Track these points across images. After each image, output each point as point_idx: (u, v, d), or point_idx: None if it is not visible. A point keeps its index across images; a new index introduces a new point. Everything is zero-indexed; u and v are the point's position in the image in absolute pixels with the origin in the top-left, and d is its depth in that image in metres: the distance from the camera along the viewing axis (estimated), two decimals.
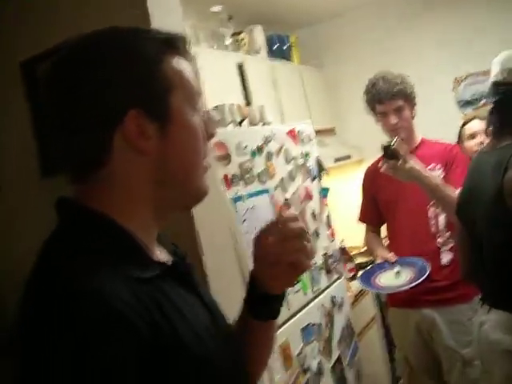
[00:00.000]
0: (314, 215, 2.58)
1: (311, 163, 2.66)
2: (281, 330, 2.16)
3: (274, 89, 3.62)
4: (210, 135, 1.00)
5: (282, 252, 0.99)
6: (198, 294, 1.00)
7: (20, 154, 2.24)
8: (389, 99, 2.62)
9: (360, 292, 3.29)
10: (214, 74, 3.02)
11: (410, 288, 2.45)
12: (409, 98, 2.67)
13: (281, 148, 2.40)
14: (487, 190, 1.92)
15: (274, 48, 3.85)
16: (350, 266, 3.51)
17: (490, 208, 1.91)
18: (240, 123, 2.46)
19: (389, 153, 2.36)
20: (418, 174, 2.35)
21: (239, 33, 3.54)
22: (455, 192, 2.36)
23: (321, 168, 2.71)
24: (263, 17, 3.74)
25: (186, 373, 0.84)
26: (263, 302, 1.07)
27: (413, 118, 2.72)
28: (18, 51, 1.98)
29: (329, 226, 2.73)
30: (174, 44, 0.94)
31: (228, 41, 3.45)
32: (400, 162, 2.33)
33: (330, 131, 4.28)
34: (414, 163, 2.36)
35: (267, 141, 2.30)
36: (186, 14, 3.22)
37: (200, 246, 1.67)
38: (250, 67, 3.36)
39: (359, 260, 3.58)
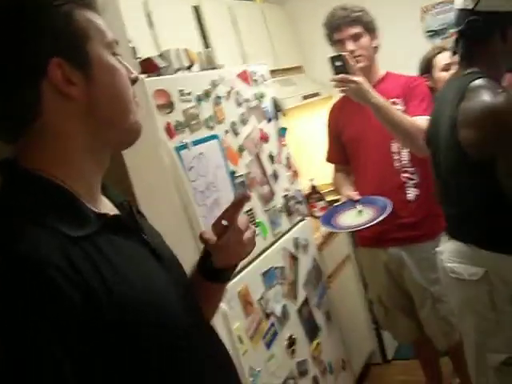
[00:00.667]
0: (271, 157, 2.52)
1: (266, 104, 2.58)
2: (238, 276, 2.14)
3: (235, 30, 3.49)
4: (133, 79, 1.02)
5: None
6: (148, 245, 1.02)
7: None
8: (346, 25, 2.56)
9: (331, 232, 3.26)
10: (168, 19, 2.92)
11: (371, 226, 2.43)
12: (368, 27, 2.60)
13: (230, 91, 2.32)
14: (446, 118, 1.88)
15: None
16: (321, 204, 3.48)
17: (448, 137, 1.87)
18: (189, 68, 2.37)
19: (337, 65, 2.28)
20: (366, 90, 2.28)
21: None
22: (408, 118, 2.31)
23: (277, 108, 2.63)
24: None
25: (132, 336, 0.86)
26: (215, 271, 1.17)
27: (375, 49, 2.65)
28: None
29: (289, 166, 2.68)
30: None
31: None
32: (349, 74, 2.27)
33: (297, 69, 4.18)
34: (364, 82, 2.29)
35: (215, 85, 2.22)
36: None
37: (137, 199, 1.62)
38: (206, 9, 3.23)
39: (331, 198, 3.53)
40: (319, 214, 3.41)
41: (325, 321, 2.67)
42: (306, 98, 3.78)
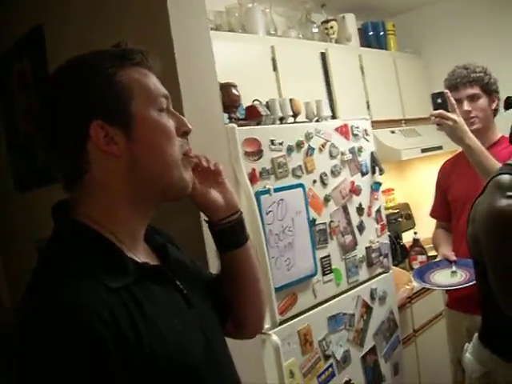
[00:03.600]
0: (360, 209, 2.65)
1: (364, 158, 2.72)
2: (303, 316, 2.32)
3: (362, 78, 3.65)
4: (184, 132, 1.11)
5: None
6: (180, 296, 1.10)
7: None
8: (463, 85, 2.58)
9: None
10: (294, 64, 3.15)
11: (464, 289, 2.45)
12: (487, 89, 2.59)
13: (325, 144, 2.49)
14: None
15: (369, 36, 3.88)
16: (422, 258, 3.52)
17: None
18: (294, 117, 2.58)
19: (438, 102, 2.34)
20: (463, 130, 2.30)
21: (329, 21, 3.60)
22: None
23: (375, 163, 2.75)
24: (357, 5, 3.77)
25: (157, 380, 0.94)
26: (233, 231, 1.25)
27: (493, 112, 2.64)
28: None
29: (379, 220, 2.79)
30: (129, 57, 1.06)
31: (315, 29, 3.53)
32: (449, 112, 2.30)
33: (425, 120, 4.20)
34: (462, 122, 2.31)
35: (309, 137, 2.41)
36: (277, 1, 3.39)
37: (204, 239, 1.76)
38: (334, 56, 3.42)
39: (433, 253, 3.55)
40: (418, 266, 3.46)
41: (391, 373, 2.73)
42: (425, 150, 3.81)
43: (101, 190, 1.03)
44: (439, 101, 2.35)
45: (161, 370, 0.94)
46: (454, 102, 2.34)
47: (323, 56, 3.40)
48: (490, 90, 2.61)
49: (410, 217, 4.14)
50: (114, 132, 1.00)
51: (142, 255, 1.08)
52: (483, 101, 2.59)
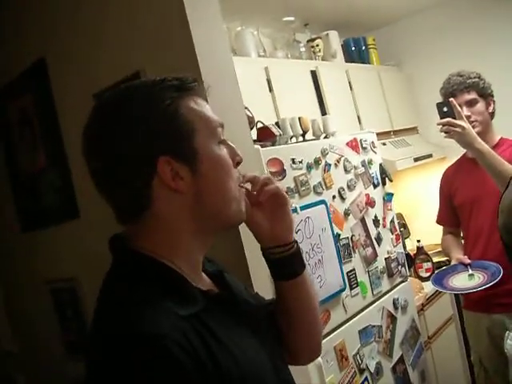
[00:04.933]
0: (376, 221, 2.68)
1: (374, 170, 2.75)
2: (337, 331, 2.31)
3: (351, 93, 3.71)
4: (237, 162, 1.10)
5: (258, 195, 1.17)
6: (246, 322, 1.09)
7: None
8: (461, 91, 2.64)
9: (436, 292, 3.33)
10: (287, 83, 3.18)
11: (481, 290, 2.48)
12: (483, 93, 2.66)
13: (339, 159, 2.52)
14: None
15: (351, 51, 3.95)
16: (427, 265, 3.56)
17: None
18: (303, 135, 2.60)
19: (444, 110, 2.39)
20: (473, 136, 2.35)
21: (314, 39, 3.66)
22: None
23: (385, 174, 2.79)
24: (338, 22, 3.84)
25: None
26: (280, 263, 1.21)
27: (491, 115, 2.69)
28: None
29: (393, 230, 2.82)
30: (187, 86, 1.03)
31: (302, 48, 3.58)
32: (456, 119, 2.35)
33: (412, 130, 4.31)
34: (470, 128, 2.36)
35: (324, 153, 2.43)
36: (262, 22, 3.43)
37: (247, 264, 1.77)
38: (324, 73, 3.47)
39: (438, 259, 3.60)
40: (425, 274, 3.51)
41: (419, 381, 2.75)
42: (417, 159, 3.90)
43: (163, 225, 1.02)
44: (445, 109, 2.40)
45: None
46: (459, 109, 2.40)
47: (313, 74, 3.44)
48: (485, 94, 2.68)
49: (404, 226, 4.20)
50: (180, 167, 0.99)
51: (203, 283, 1.08)
52: (480, 105, 2.65)
